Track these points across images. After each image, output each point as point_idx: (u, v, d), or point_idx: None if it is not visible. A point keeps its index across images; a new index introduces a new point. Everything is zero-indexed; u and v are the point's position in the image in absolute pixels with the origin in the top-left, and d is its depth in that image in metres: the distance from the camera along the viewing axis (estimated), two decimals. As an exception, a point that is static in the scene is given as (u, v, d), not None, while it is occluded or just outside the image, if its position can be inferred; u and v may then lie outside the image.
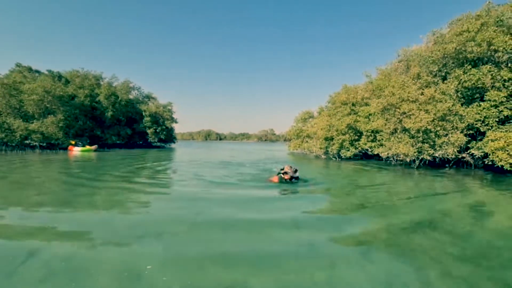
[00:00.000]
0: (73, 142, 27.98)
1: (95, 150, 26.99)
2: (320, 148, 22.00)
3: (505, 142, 10.24)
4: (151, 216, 5.35)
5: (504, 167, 10.43)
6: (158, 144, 43.78)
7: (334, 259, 3.46)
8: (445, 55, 14.76)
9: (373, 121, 17.50)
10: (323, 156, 22.60)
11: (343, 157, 20.39)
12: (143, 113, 40.86)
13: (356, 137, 19.86)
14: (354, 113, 20.62)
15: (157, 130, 41.34)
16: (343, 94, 22.48)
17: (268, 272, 3.13)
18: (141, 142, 41.98)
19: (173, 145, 47.55)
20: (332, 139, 20.82)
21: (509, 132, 10.75)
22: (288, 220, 5.09)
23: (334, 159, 21.00)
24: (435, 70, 15.77)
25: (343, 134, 19.86)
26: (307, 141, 25.56)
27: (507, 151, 10.09)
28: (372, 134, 18.01)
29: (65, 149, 27.87)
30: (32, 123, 27.78)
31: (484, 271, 3.20)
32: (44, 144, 27.91)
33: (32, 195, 6.94)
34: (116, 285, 2.81)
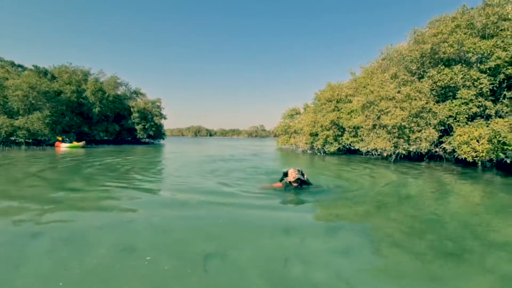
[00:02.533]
0: (60, 138, 27.77)
1: (82, 147, 26.90)
2: (306, 144, 22.80)
3: (468, 137, 11.21)
4: (139, 209, 5.85)
5: (467, 159, 11.42)
6: (147, 140, 43.64)
7: (304, 234, 4.10)
8: (423, 55, 15.62)
9: (354, 118, 18.34)
10: (309, 151, 23.41)
11: (327, 152, 21.24)
12: (131, 109, 40.63)
13: (340, 133, 20.73)
14: (338, 110, 21.45)
15: (146, 126, 41.19)
16: (328, 91, 23.28)
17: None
18: (129, 139, 41.73)
19: (162, 142, 47.45)
20: (317, 134, 21.63)
21: (473, 127, 11.71)
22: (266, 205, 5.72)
23: (319, 154, 21.82)
24: (413, 68, 16.65)
25: (327, 130, 20.70)
26: (294, 137, 26.31)
27: (470, 145, 11.06)
28: (354, 130, 18.87)
29: (52, 145, 27.65)
30: (17, 119, 27.41)
31: (426, 242, 3.92)
32: (30, 140, 27.62)
33: (25, 186, 7.31)
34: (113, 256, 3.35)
